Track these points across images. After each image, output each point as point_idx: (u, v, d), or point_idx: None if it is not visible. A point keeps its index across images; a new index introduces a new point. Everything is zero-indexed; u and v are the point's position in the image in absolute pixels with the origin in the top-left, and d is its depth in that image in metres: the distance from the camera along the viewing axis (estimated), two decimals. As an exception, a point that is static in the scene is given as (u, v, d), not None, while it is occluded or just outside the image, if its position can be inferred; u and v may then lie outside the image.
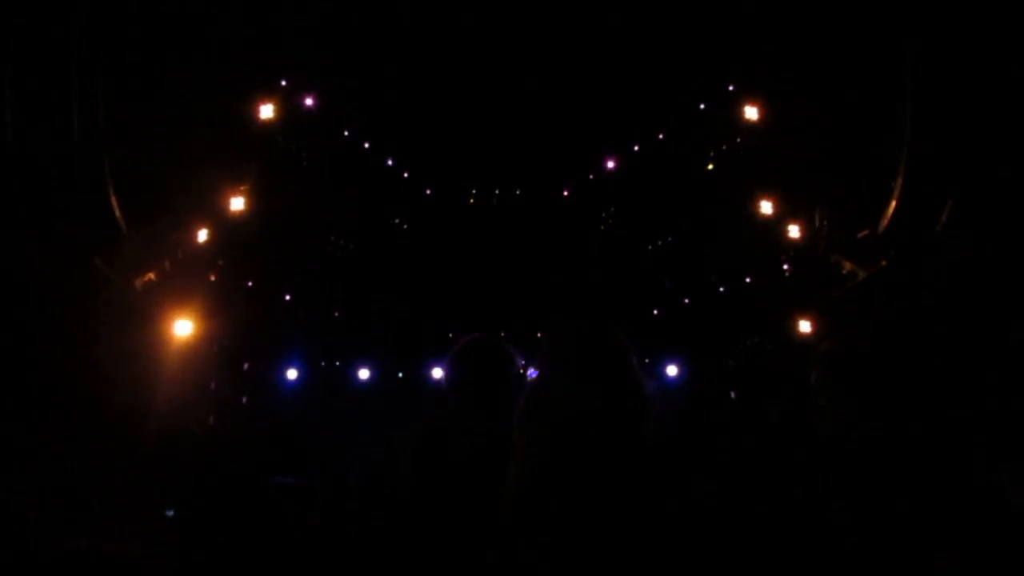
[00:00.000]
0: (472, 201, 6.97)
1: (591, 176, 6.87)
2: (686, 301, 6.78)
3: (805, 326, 5.38)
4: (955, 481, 2.05)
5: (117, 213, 4.85)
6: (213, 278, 5.41)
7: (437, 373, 5.91)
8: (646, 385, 2.16)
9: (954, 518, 1.99)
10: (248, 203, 5.54)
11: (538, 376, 2.17)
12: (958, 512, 2.00)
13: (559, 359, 2.16)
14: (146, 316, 4.86)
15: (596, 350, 2.15)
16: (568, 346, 2.18)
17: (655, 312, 6.83)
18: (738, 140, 6.21)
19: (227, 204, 5.48)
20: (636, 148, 6.79)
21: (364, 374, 6.74)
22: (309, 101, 6.25)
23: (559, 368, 2.14)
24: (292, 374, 6.53)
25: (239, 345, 5.75)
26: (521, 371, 3.07)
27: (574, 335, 2.20)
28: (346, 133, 6.56)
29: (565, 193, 6.94)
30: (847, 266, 5.35)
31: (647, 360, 6.38)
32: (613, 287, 6.68)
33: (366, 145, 6.62)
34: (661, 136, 6.65)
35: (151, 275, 5.01)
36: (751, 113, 5.95)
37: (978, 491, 2.05)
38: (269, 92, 5.74)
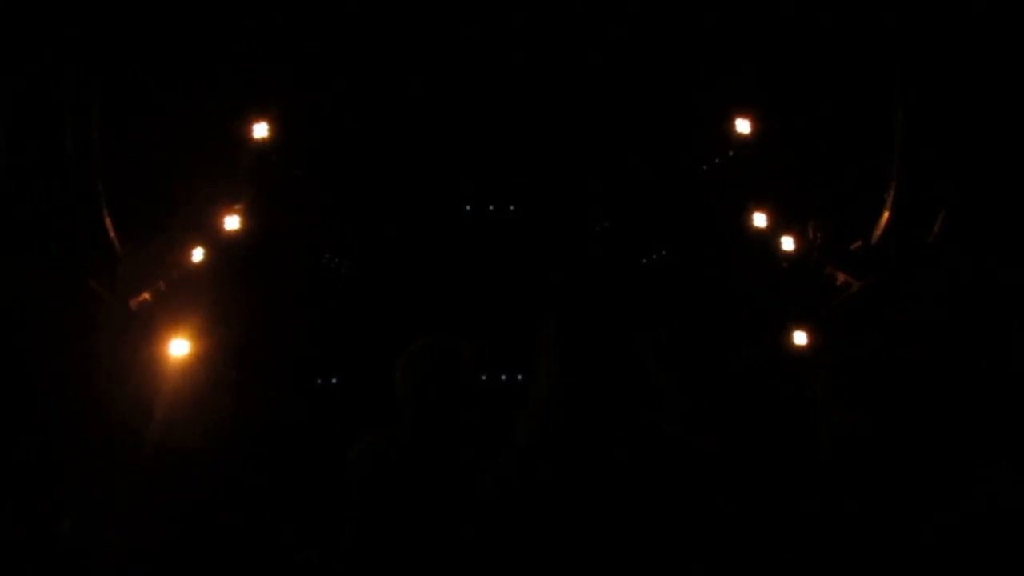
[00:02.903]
0: (466, 213, 6.98)
1: (582, 188, 6.88)
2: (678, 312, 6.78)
3: (800, 338, 5.39)
4: (957, 487, 2.06)
5: (111, 234, 4.85)
6: (209, 297, 5.39)
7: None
8: (661, 377, 2.13)
9: (955, 522, 2.00)
10: (243, 222, 5.53)
11: (541, 378, 2.10)
12: (959, 516, 2.01)
13: (558, 358, 2.10)
14: (142, 336, 4.84)
15: (592, 345, 2.10)
16: (564, 343, 2.12)
17: (647, 323, 6.79)
18: (730, 153, 6.23)
19: (222, 223, 5.47)
20: (627, 160, 6.80)
21: (361, 390, 6.71)
22: (302, 118, 6.24)
23: (559, 367, 2.08)
24: (290, 392, 6.50)
25: (236, 364, 5.72)
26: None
27: (564, 332, 2.15)
28: (340, 150, 6.56)
29: (558, 205, 6.96)
30: (841, 278, 5.37)
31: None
32: (605, 300, 6.67)
33: (360, 161, 6.62)
34: (652, 148, 6.66)
35: (146, 295, 5.01)
36: (742, 125, 5.96)
37: (979, 495, 2.06)
38: (263, 110, 5.73)
